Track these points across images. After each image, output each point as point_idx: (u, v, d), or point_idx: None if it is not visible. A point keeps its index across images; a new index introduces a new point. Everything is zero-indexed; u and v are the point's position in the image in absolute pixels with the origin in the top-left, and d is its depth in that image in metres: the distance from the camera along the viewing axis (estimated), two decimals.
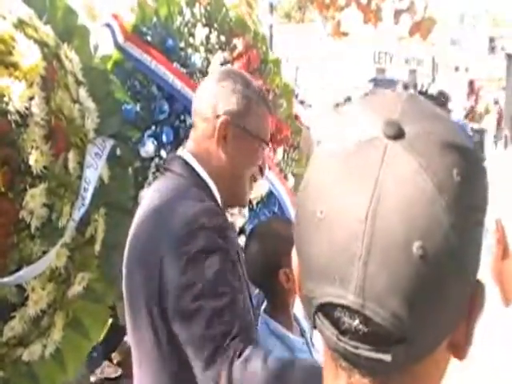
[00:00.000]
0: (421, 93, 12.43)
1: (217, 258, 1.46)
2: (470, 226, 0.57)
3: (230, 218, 2.72)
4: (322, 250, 0.57)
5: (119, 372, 3.94)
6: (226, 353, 1.37)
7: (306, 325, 2.04)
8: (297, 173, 3.37)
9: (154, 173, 2.73)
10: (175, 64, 2.86)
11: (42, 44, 2.30)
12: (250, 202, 2.96)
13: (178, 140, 2.72)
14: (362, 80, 13.63)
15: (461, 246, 0.55)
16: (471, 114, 11.04)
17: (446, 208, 0.54)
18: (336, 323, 0.58)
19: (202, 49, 2.96)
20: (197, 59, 2.90)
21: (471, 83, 15.52)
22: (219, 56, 2.97)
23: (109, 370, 3.95)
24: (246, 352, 1.37)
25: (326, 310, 0.58)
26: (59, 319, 2.33)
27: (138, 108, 2.80)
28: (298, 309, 2.06)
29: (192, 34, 2.97)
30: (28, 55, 2.17)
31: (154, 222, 1.52)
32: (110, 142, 2.55)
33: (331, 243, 0.56)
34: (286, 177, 3.25)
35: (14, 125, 2.08)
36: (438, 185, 0.54)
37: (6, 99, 2.07)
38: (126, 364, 3.56)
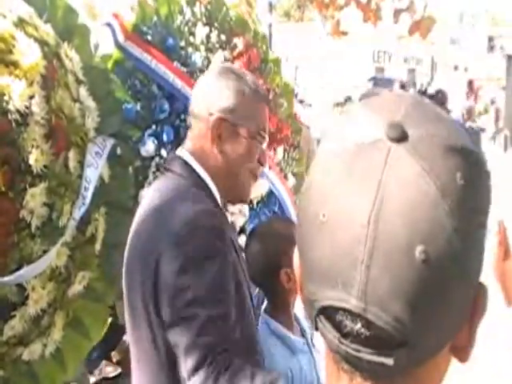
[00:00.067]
0: (420, 92, 12.42)
1: (214, 263, 1.45)
2: (473, 230, 0.57)
3: (230, 218, 2.72)
4: (325, 253, 0.57)
5: (118, 371, 3.94)
6: (213, 365, 1.36)
7: (306, 325, 2.04)
8: (297, 172, 3.37)
9: (154, 172, 2.73)
10: (175, 63, 2.86)
11: (43, 43, 2.30)
12: (251, 201, 2.96)
13: (179, 139, 2.71)
14: (361, 79, 13.62)
15: (464, 250, 0.55)
16: (468, 114, 11.01)
17: (449, 212, 0.54)
18: (338, 326, 0.58)
19: (202, 48, 2.96)
20: (197, 58, 2.90)
21: (470, 83, 15.54)
22: (220, 55, 2.97)
23: (107, 369, 3.96)
24: (234, 367, 1.36)
25: (328, 313, 0.58)
26: (59, 318, 2.33)
27: (138, 107, 2.80)
28: (298, 309, 2.06)
29: (192, 33, 2.96)
30: (28, 54, 2.17)
31: (154, 221, 1.52)
32: (110, 141, 2.55)
33: (334, 247, 0.56)
34: (286, 176, 3.25)
35: (14, 124, 2.07)
36: (441, 188, 0.54)
37: (6, 98, 2.06)
38: (125, 363, 3.56)
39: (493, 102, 15.14)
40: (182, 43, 2.93)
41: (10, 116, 2.06)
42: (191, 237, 1.45)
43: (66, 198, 2.26)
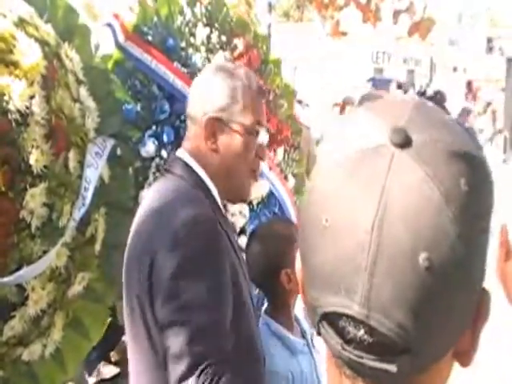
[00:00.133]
0: (419, 93, 12.43)
1: (210, 268, 1.45)
2: (476, 236, 0.56)
3: (230, 219, 2.72)
4: (327, 259, 0.57)
5: (116, 371, 3.94)
6: (202, 377, 1.34)
7: (306, 326, 2.04)
8: (297, 173, 3.37)
9: (154, 173, 2.72)
10: (176, 64, 2.85)
11: (43, 43, 2.30)
12: (251, 202, 2.96)
13: (179, 140, 2.70)
14: (360, 80, 13.62)
15: (467, 257, 0.55)
16: (464, 115, 11.04)
17: (452, 218, 0.54)
18: (341, 332, 0.58)
19: (202, 49, 2.96)
20: (197, 59, 2.90)
21: (469, 84, 15.57)
22: (220, 56, 2.96)
23: (105, 369, 3.95)
24: (223, 382, 1.35)
25: (331, 318, 0.58)
26: (59, 319, 2.33)
27: (138, 108, 2.79)
28: (298, 309, 2.06)
29: (193, 34, 2.96)
30: (29, 54, 2.17)
31: (154, 222, 1.52)
32: (110, 142, 2.55)
33: (336, 252, 0.56)
34: (286, 177, 3.24)
35: (14, 124, 2.07)
36: (444, 194, 0.54)
37: (6, 98, 2.06)
38: (123, 363, 3.56)
39: (489, 104, 15.17)
40: (183, 44, 2.93)
41: (10, 116, 2.06)
42: (188, 240, 1.45)
43: (65, 199, 2.25)
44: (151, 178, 2.73)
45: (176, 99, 2.76)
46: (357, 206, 0.55)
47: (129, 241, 1.60)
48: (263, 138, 1.66)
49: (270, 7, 14.05)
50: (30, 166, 2.10)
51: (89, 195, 2.33)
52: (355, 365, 0.58)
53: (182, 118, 2.84)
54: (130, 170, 2.75)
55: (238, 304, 1.52)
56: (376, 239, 0.54)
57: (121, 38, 2.80)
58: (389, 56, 16.84)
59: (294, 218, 3.03)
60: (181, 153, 1.65)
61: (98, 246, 2.50)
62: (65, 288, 2.32)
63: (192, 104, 1.65)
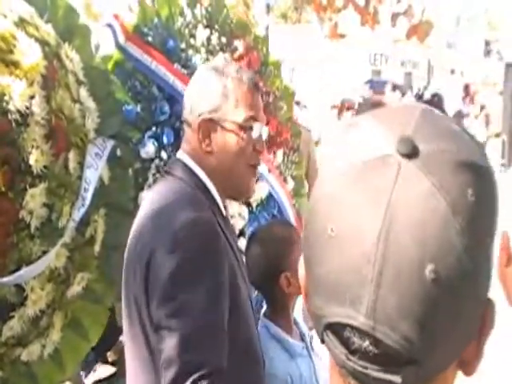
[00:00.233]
0: (417, 96, 12.45)
1: (209, 270, 1.45)
2: (483, 247, 0.56)
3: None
4: (333, 268, 0.57)
5: (112, 371, 3.93)
6: None
7: (305, 329, 2.04)
8: (296, 175, 3.37)
9: (154, 174, 2.72)
10: (176, 65, 2.85)
11: (43, 43, 2.29)
12: (250, 204, 2.96)
13: (179, 141, 2.69)
14: (358, 82, 13.63)
15: (473, 269, 0.55)
16: (457, 117, 11.09)
17: (459, 230, 0.53)
18: (345, 343, 0.57)
19: (202, 50, 2.95)
20: (198, 60, 2.90)
21: (466, 87, 15.58)
22: (220, 57, 2.96)
23: (101, 369, 3.95)
24: None
25: (335, 328, 0.58)
26: (58, 319, 2.33)
27: (138, 109, 2.79)
28: (297, 312, 2.07)
29: (193, 35, 2.96)
30: (29, 54, 2.16)
31: (154, 223, 1.53)
32: (110, 143, 2.54)
33: (342, 262, 0.56)
34: (285, 179, 3.24)
35: (14, 124, 2.07)
36: (451, 206, 0.54)
37: (6, 98, 2.06)
38: (120, 363, 3.55)
39: (482, 108, 15.19)
40: (183, 45, 2.92)
41: (10, 116, 2.06)
42: (187, 241, 1.45)
43: (65, 199, 2.25)
44: (151, 179, 2.72)
45: (176, 100, 2.76)
46: (363, 216, 0.55)
47: (129, 241, 1.60)
48: (260, 130, 1.64)
49: (268, 8, 14.06)
50: (30, 166, 2.09)
51: (88, 196, 2.33)
52: (360, 375, 0.58)
53: (182, 117, 2.84)
54: (130, 171, 2.75)
55: (236, 306, 1.52)
56: (382, 250, 0.53)
57: (121, 39, 2.79)
58: (386, 58, 16.85)
59: (292, 220, 3.04)
60: (181, 154, 1.66)
61: (97, 247, 2.50)
62: (64, 288, 2.32)
63: (185, 107, 1.65)
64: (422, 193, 0.54)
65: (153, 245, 1.47)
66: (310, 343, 1.99)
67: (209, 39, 2.98)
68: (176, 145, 2.70)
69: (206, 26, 3.02)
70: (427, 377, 0.57)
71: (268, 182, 3.00)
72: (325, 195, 0.59)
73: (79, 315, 2.47)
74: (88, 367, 3.66)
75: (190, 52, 2.93)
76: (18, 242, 2.09)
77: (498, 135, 14.10)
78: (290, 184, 3.29)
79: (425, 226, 0.53)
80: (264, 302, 2.08)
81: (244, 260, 1.83)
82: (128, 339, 1.57)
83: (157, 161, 2.73)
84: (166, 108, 2.78)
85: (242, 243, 2.41)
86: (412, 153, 0.55)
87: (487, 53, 22.33)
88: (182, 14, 2.99)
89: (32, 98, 2.12)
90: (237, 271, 1.57)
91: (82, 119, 2.44)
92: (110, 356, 3.93)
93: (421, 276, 0.53)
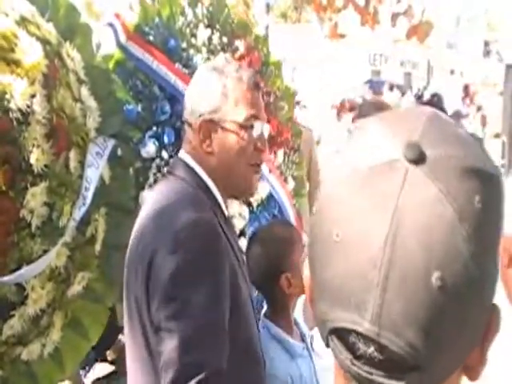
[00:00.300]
0: (416, 96, 12.45)
1: (210, 271, 1.45)
2: (489, 253, 0.56)
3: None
4: (338, 273, 0.57)
5: (111, 369, 3.92)
6: None
7: (306, 329, 2.05)
8: (297, 175, 3.37)
9: (155, 173, 2.72)
10: (177, 64, 2.85)
11: (44, 42, 2.29)
12: (250, 204, 2.97)
13: (180, 141, 2.69)
14: (358, 81, 13.63)
15: (480, 276, 0.55)
16: (456, 118, 11.08)
17: (466, 237, 0.53)
18: (350, 348, 0.57)
19: (204, 50, 2.95)
20: (199, 60, 2.89)
21: (466, 87, 15.58)
22: (221, 57, 2.96)
23: (100, 368, 3.94)
24: None
25: (340, 333, 0.58)
26: (58, 319, 2.33)
27: (139, 108, 2.79)
28: (298, 313, 2.07)
29: (194, 35, 2.96)
30: (30, 53, 2.16)
31: (155, 223, 1.53)
32: (111, 142, 2.54)
33: (348, 267, 0.56)
34: (286, 179, 3.24)
35: (15, 122, 2.06)
36: (458, 212, 0.53)
37: (7, 96, 2.05)
38: (119, 362, 3.55)
39: (479, 109, 15.19)
40: (184, 45, 2.92)
41: (11, 115, 2.05)
42: (188, 242, 1.45)
43: (66, 198, 2.25)
44: (152, 178, 2.72)
45: (177, 100, 2.76)
46: (369, 221, 0.55)
47: (130, 242, 1.60)
48: (261, 128, 1.63)
49: (268, 8, 14.05)
50: (31, 165, 2.09)
51: (89, 195, 2.33)
52: (364, 380, 0.58)
53: (182, 118, 2.84)
54: (131, 170, 2.75)
55: (237, 306, 1.52)
56: (388, 255, 0.53)
57: (122, 38, 2.79)
58: (386, 58, 16.84)
59: (293, 220, 3.04)
60: (182, 154, 1.66)
61: (98, 246, 2.49)
62: (64, 288, 2.32)
63: (186, 108, 1.65)
64: (428, 199, 0.54)
65: (154, 245, 1.47)
66: (311, 344, 2.00)
67: (210, 39, 2.98)
68: (177, 144, 2.70)
69: (208, 26, 3.02)
70: (432, 383, 0.57)
71: (269, 182, 3.00)
72: (330, 199, 0.59)
73: (79, 314, 2.47)
74: (87, 366, 3.66)
75: (192, 52, 2.93)
76: (18, 241, 2.09)
77: (497, 136, 14.10)
78: (291, 184, 3.29)
79: (431, 232, 0.53)
80: (264, 302, 2.08)
81: (245, 260, 1.83)
82: (128, 340, 1.58)
83: (157, 160, 2.73)
84: (167, 108, 2.78)
85: (243, 243, 2.41)
86: (419, 158, 0.55)
87: (487, 53, 22.33)
88: (183, 13, 2.99)
89: (33, 96, 2.11)
90: (237, 271, 1.57)
91: (83, 118, 2.44)
92: (110, 355, 3.92)
93: (427, 283, 0.53)
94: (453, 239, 0.53)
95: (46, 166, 2.14)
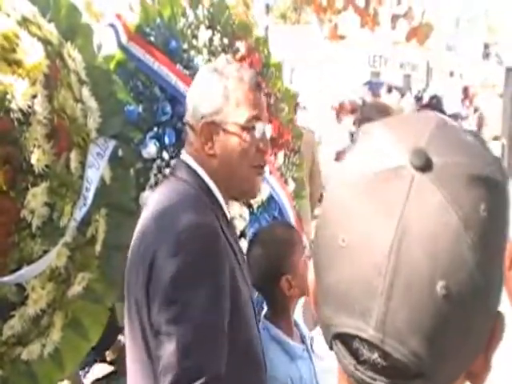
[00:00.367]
0: (416, 98, 12.46)
1: (210, 275, 1.45)
2: (494, 262, 0.56)
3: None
4: (343, 278, 0.57)
5: (110, 369, 3.92)
6: None
7: (306, 331, 2.05)
8: (297, 177, 3.37)
9: (155, 174, 2.72)
10: (178, 66, 2.85)
11: (46, 42, 2.29)
12: (251, 205, 2.97)
13: (180, 142, 2.71)
14: (357, 83, 13.63)
15: (485, 285, 0.54)
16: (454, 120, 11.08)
17: (471, 245, 0.53)
18: (354, 353, 0.57)
19: (205, 51, 2.95)
20: (200, 61, 2.90)
21: (465, 89, 15.57)
22: (222, 59, 2.96)
23: (99, 368, 3.94)
24: None
25: (344, 339, 0.58)
26: (58, 319, 2.32)
27: (140, 109, 2.79)
28: (298, 314, 2.07)
29: (195, 36, 2.96)
30: (31, 53, 2.16)
31: (157, 225, 1.53)
32: (112, 143, 2.54)
33: (353, 273, 0.56)
34: (286, 181, 3.25)
35: (16, 123, 2.06)
36: (463, 220, 0.53)
37: (8, 97, 2.05)
38: (119, 362, 3.55)
39: (476, 110, 15.19)
40: (185, 46, 2.92)
41: (12, 115, 2.05)
42: (189, 244, 1.45)
43: (67, 199, 2.25)
44: (152, 179, 2.72)
45: (178, 101, 2.76)
46: (375, 227, 0.55)
47: (132, 242, 1.60)
48: (263, 129, 1.62)
49: (268, 9, 14.05)
50: (32, 165, 2.09)
51: (90, 195, 2.33)
52: None
53: (184, 120, 2.85)
54: (132, 171, 2.75)
55: (237, 308, 1.52)
56: (393, 262, 0.53)
57: (123, 39, 2.79)
58: (386, 60, 16.84)
59: (293, 222, 3.04)
60: (185, 156, 1.65)
61: (98, 247, 2.49)
62: (64, 288, 2.32)
63: (188, 110, 1.64)
64: (434, 206, 0.54)
65: (156, 246, 1.47)
66: (311, 345, 2.00)
67: (211, 40, 2.98)
68: (177, 145, 2.70)
69: (208, 27, 3.02)
70: None
71: (269, 184, 3.00)
72: (336, 203, 0.59)
73: (79, 315, 2.47)
74: (87, 366, 3.66)
75: (192, 53, 2.93)
76: (19, 242, 2.09)
77: (496, 138, 14.10)
78: (291, 186, 3.29)
79: (436, 240, 0.53)
80: (265, 303, 2.08)
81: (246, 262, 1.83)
82: (129, 341, 1.58)
83: (158, 161, 2.73)
84: (168, 108, 2.78)
85: (243, 244, 2.42)
86: (425, 165, 0.55)
87: (486, 56, 22.35)
88: (184, 14, 2.99)
89: (34, 97, 2.11)
90: (237, 273, 1.57)
91: (84, 119, 2.44)
92: (109, 355, 3.92)
93: (432, 291, 0.53)
94: (458, 248, 0.53)
95: (46, 166, 2.14)
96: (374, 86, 13.53)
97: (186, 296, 1.40)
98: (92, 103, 2.52)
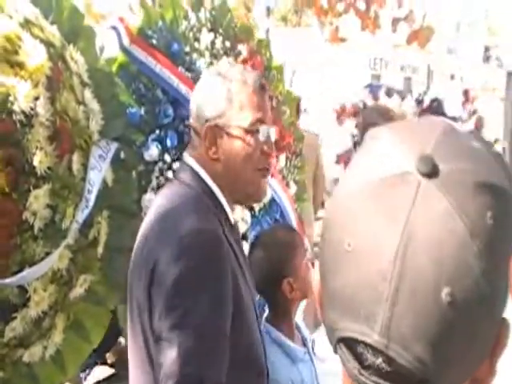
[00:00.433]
0: (416, 101, 12.45)
1: (212, 280, 1.44)
2: (500, 270, 0.56)
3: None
4: (349, 283, 0.57)
5: (110, 372, 3.92)
6: None
7: (307, 334, 2.05)
8: (299, 180, 3.38)
9: (157, 177, 2.73)
10: (180, 68, 2.86)
11: (48, 44, 2.29)
12: (252, 208, 2.97)
13: (183, 144, 2.71)
14: (358, 86, 13.62)
15: (491, 292, 0.54)
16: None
17: (477, 253, 0.53)
18: (358, 358, 0.58)
19: (207, 54, 2.96)
20: (202, 64, 2.90)
21: (466, 92, 15.57)
22: (224, 62, 2.97)
23: (100, 371, 3.94)
24: None
25: (349, 343, 0.58)
26: (60, 321, 2.32)
27: (142, 111, 2.79)
28: (299, 317, 2.07)
29: (197, 39, 2.97)
30: (34, 55, 2.16)
31: (160, 228, 1.52)
32: (114, 145, 2.54)
33: (358, 277, 0.56)
34: (288, 184, 3.25)
35: (18, 125, 2.07)
36: (469, 228, 0.53)
37: (11, 99, 2.06)
38: (120, 364, 3.55)
39: (474, 112, 15.18)
40: (187, 49, 2.93)
41: (14, 117, 2.06)
42: (191, 249, 1.44)
43: (69, 201, 2.25)
44: (154, 181, 2.73)
45: (180, 104, 2.77)
46: (381, 233, 0.55)
47: (135, 245, 1.60)
48: (267, 132, 1.61)
49: (269, 11, 14.06)
50: (34, 167, 2.09)
51: (92, 198, 2.33)
52: None
53: (186, 122, 2.85)
54: (134, 173, 2.75)
55: (239, 311, 1.51)
56: (399, 268, 0.53)
57: (126, 41, 2.79)
58: (386, 63, 16.85)
59: (294, 225, 3.04)
60: (188, 159, 1.64)
61: (100, 249, 2.49)
62: (66, 290, 2.32)
63: (192, 113, 1.64)
64: (440, 213, 0.54)
65: (158, 250, 1.46)
66: (312, 348, 2.00)
67: (213, 43, 2.99)
68: (179, 148, 2.70)
69: (210, 30, 3.03)
70: None
71: (271, 187, 3.00)
72: (342, 208, 0.59)
73: (81, 317, 2.47)
74: (87, 369, 3.66)
75: (195, 55, 2.93)
76: (21, 243, 2.09)
77: (496, 141, 14.10)
78: (293, 188, 3.29)
79: (442, 247, 0.53)
80: (266, 306, 2.08)
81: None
82: (131, 343, 1.57)
83: (160, 164, 2.74)
84: (170, 111, 2.79)
85: (245, 247, 2.42)
86: (432, 172, 0.55)
87: (486, 59, 22.35)
88: (186, 17, 3.00)
89: (37, 99, 2.12)
90: (240, 278, 1.56)
91: (86, 121, 2.44)
92: (110, 358, 3.92)
93: (437, 298, 0.53)
94: (463, 255, 0.53)
95: (49, 168, 2.14)
96: (374, 89, 13.52)
97: (187, 302, 1.40)
98: (94, 105, 2.52)
